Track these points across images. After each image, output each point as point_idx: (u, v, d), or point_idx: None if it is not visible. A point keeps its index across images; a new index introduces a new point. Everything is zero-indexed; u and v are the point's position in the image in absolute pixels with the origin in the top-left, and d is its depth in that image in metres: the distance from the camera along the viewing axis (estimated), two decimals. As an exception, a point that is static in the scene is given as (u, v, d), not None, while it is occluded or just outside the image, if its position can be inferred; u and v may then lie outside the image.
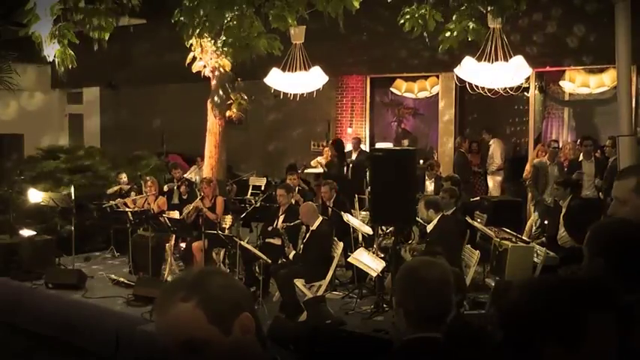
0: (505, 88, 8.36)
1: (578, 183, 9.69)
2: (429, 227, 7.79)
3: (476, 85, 8.28)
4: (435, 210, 7.77)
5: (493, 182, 12.04)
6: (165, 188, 10.49)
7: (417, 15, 8.18)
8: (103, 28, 7.88)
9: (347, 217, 8.62)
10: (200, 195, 9.33)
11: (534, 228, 9.16)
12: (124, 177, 11.03)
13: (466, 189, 10.76)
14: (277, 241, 8.36)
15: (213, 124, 10.66)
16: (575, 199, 8.48)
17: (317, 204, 9.10)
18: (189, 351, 1.54)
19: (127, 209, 9.59)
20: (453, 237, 7.65)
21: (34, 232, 9.71)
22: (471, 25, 8.11)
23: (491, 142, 12.04)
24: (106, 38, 7.99)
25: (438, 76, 12.88)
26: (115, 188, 10.97)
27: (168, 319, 1.56)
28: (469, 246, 7.78)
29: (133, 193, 10.47)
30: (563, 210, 8.37)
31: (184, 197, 10.72)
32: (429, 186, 10.78)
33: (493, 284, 7.03)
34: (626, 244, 2.22)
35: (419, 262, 2.42)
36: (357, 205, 9.84)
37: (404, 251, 7.62)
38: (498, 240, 7.60)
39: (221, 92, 10.51)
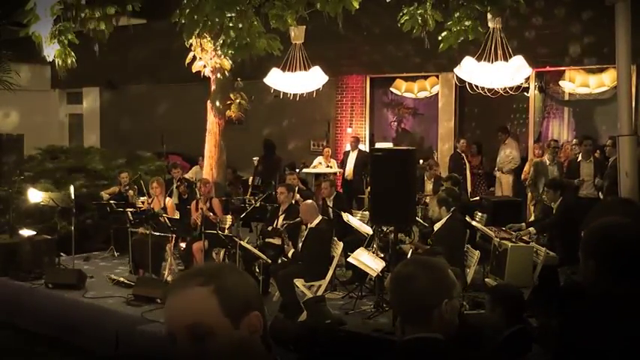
0: (505, 88, 8.35)
1: (572, 186, 9.67)
2: (437, 225, 7.75)
3: (476, 85, 8.28)
4: (447, 208, 7.74)
5: (507, 181, 11.87)
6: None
7: (416, 15, 8.19)
8: (104, 18, 7.85)
9: (347, 216, 8.62)
10: (199, 195, 9.36)
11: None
12: (125, 176, 10.95)
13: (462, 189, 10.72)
14: (277, 241, 8.36)
15: (213, 124, 10.66)
16: (565, 201, 8.42)
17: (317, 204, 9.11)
18: (194, 337, 1.52)
19: (129, 209, 9.58)
20: (458, 237, 7.66)
21: (34, 232, 9.69)
22: (471, 25, 8.11)
23: (506, 142, 11.90)
24: (105, 29, 7.95)
25: (437, 76, 12.89)
26: (108, 193, 10.89)
27: (182, 299, 1.55)
28: (469, 246, 7.78)
29: (131, 192, 10.44)
30: (554, 212, 8.36)
31: (184, 197, 10.72)
32: (428, 186, 10.77)
33: (493, 283, 7.04)
34: (617, 246, 2.21)
35: (402, 261, 2.42)
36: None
37: (409, 243, 7.60)
38: (498, 240, 7.59)
39: (221, 92, 10.51)
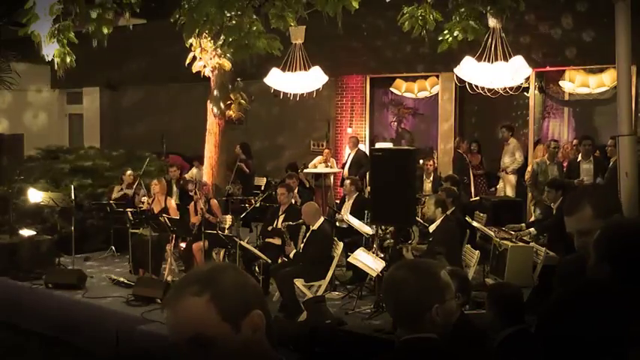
0: (505, 88, 8.35)
1: (572, 186, 9.64)
2: (432, 227, 7.77)
3: (476, 85, 8.28)
4: (442, 209, 7.77)
5: (511, 181, 11.81)
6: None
7: (416, 15, 8.19)
8: (103, 18, 7.84)
9: (347, 216, 8.62)
10: (199, 196, 9.37)
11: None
12: (130, 174, 10.86)
13: (462, 190, 10.71)
14: (277, 241, 8.36)
15: (213, 124, 10.66)
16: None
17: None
18: (197, 346, 1.52)
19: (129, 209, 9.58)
20: (454, 237, 7.66)
21: (34, 232, 9.70)
22: (471, 24, 8.11)
23: (509, 141, 11.84)
24: (104, 28, 7.94)
25: (438, 76, 12.88)
26: (118, 192, 10.86)
27: (179, 312, 1.55)
28: (469, 246, 7.78)
29: (144, 199, 10.41)
30: (554, 212, 8.36)
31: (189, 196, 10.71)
32: (427, 185, 10.77)
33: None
34: (636, 252, 2.16)
35: (395, 264, 2.44)
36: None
37: (405, 251, 7.62)
38: (498, 240, 7.59)
39: (221, 92, 10.51)
